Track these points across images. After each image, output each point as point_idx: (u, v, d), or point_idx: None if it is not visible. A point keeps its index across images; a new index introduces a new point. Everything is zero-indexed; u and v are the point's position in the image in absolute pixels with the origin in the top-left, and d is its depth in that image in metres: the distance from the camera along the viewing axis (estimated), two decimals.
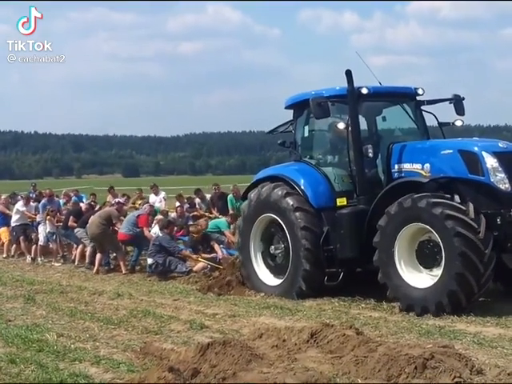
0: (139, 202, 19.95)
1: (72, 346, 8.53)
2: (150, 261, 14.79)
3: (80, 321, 10.21)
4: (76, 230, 16.64)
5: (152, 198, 20.05)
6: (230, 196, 18.33)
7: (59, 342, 8.72)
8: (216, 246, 15.09)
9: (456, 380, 6.33)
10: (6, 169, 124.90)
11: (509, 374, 6.54)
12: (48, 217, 17.58)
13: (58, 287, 13.54)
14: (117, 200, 17.82)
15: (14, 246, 19.07)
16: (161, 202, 19.78)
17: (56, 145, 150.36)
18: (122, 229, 15.61)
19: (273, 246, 12.02)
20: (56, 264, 17.27)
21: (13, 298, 12.52)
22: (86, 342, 8.82)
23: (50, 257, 17.95)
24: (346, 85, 11.07)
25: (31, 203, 19.43)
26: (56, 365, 7.60)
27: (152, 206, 17.39)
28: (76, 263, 16.77)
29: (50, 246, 17.97)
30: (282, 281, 11.69)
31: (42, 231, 17.85)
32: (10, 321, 10.42)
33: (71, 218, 17.07)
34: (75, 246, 17.27)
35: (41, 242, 17.97)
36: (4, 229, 19.31)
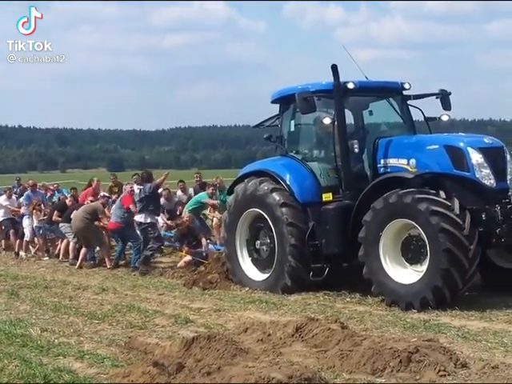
0: (116, 189, 19.59)
1: (56, 340, 8.51)
2: (138, 218, 14.79)
3: (64, 316, 10.17)
4: (61, 225, 16.50)
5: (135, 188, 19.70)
6: None
7: (43, 337, 8.69)
8: (203, 240, 15.04)
9: (441, 373, 6.37)
10: None
11: (493, 367, 6.59)
12: (34, 210, 17.41)
13: (42, 282, 13.49)
14: (102, 194, 17.60)
15: (3, 241, 18.88)
16: None
17: (40, 139, 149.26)
18: (112, 218, 15.43)
19: (258, 241, 12.02)
20: (43, 259, 17.13)
21: None
22: (70, 336, 8.79)
23: (35, 251, 17.82)
24: (332, 79, 11.06)
25: (13, 197, 19.25)
26: (40, 360, 7.57)
27: (131, 185, 16.76)
28: (60, 258, 16.66)
29: (36, 241, 17.78)
30: (267, 276, 11.68)
31: (28, 226, 17.64)
32: None
33: (56, 212, 16.89)
34: (60, 240, 17.14)
35: (27, 238, 17.76)
36: None
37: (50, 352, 7.95)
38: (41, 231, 17.37)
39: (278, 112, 12.64)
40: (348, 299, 10.72)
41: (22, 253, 17.83)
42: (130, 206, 15.21)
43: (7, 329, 9.15)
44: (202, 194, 16.68)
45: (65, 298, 11.67)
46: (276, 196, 11.46)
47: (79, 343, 8.41)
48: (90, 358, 7.61)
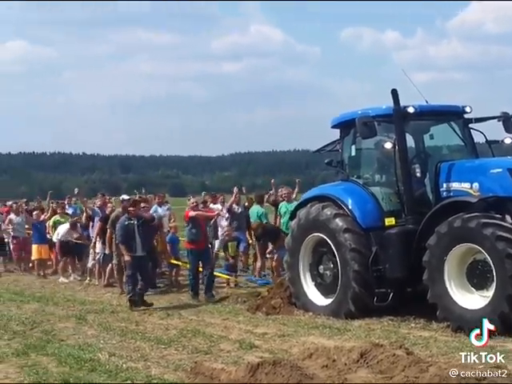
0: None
1: (124, 365, 8.64)
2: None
3: (131, 340, 10.33)
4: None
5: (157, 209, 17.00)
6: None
7: (111, 362, 8.85)
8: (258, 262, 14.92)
9: None
10: (54, 189, 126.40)
11: None
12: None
13: (109, 307, 13.72)
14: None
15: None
16: (165, 215, 17.29)
17: (104, 165, 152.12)
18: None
19: (322, 266, 12.03)
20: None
21: (65, 317, 12.70)
22: (137, 361, 8.92)
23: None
24: (391, 103, 11.07)
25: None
26: None
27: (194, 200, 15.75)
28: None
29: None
30: (331, 301, 11.67)
31: (92, 253, 17.15)
32: (62, 340, 10.59)
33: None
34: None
35: (89, 265, 17.51)
36: (39, 245, 18.98)
37: (119, 377, 8.08)
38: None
39: (338, 137, 12.70)
40: (412, 324, 10.62)
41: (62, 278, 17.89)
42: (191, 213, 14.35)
43: (76, 353, 9.36)
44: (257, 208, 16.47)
45: (131, 323, 11.85)
46: (339, 222, 11.48)
47: (146, 368, 8.53)
48: (157, 383, 7.72)
